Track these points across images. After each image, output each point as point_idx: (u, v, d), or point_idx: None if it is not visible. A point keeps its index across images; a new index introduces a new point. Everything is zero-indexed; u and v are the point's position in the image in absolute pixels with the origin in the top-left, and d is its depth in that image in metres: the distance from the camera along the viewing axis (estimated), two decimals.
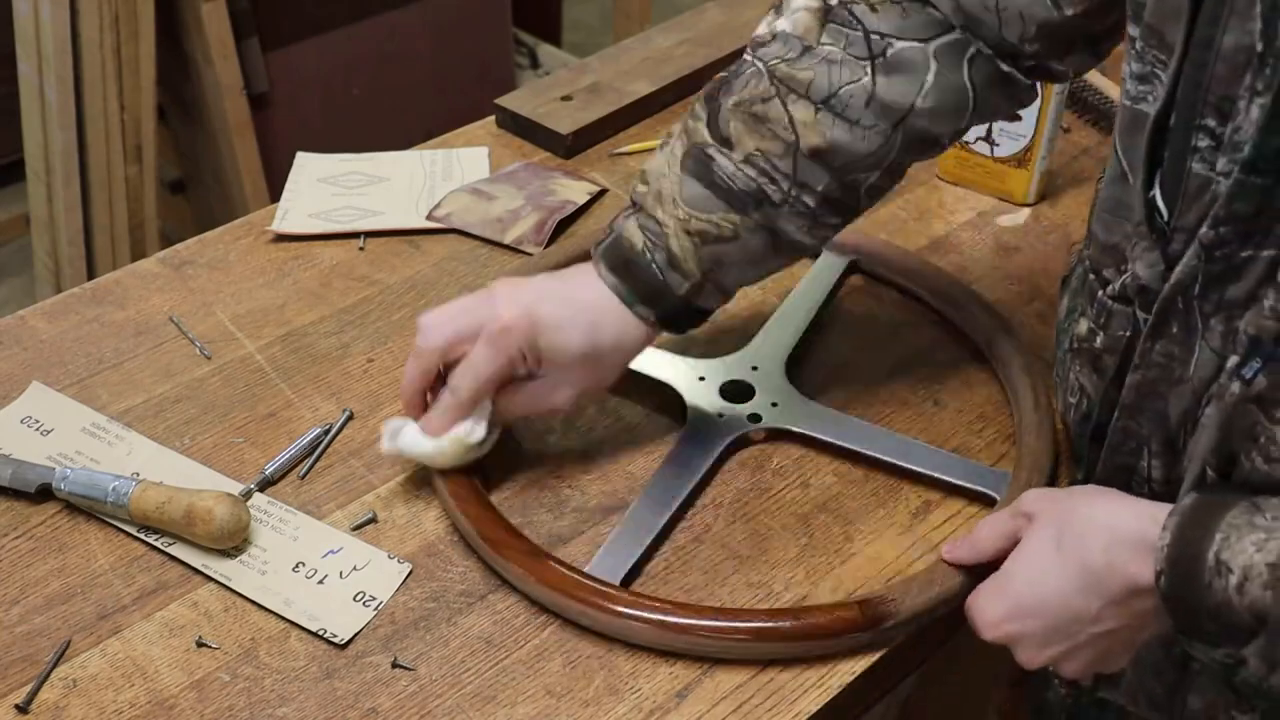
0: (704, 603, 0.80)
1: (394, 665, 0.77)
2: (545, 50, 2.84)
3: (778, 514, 0.87)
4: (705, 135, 0.82)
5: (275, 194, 1.39)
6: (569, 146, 1.23)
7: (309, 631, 0.79)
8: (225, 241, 1.12)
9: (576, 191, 1.17)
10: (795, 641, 0.76)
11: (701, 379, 0.93)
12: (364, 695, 0.75)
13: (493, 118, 1.29)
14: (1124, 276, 0.73)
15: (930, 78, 0.79)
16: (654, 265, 0.82)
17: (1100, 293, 0.76)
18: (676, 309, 0.84)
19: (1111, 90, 1.24)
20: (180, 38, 2.11)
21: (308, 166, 1.23)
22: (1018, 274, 1.08)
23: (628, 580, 0.80)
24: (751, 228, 0.82)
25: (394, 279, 1.08)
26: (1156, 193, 0.68)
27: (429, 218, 1.14)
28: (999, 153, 1.15)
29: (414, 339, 0.84)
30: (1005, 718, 1.20)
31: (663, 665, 0.77)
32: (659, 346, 0.95)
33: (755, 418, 0.91)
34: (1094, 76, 1.25)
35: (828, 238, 0.86)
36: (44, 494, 0.86)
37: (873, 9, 0.79)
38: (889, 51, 0.79)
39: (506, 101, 1.28)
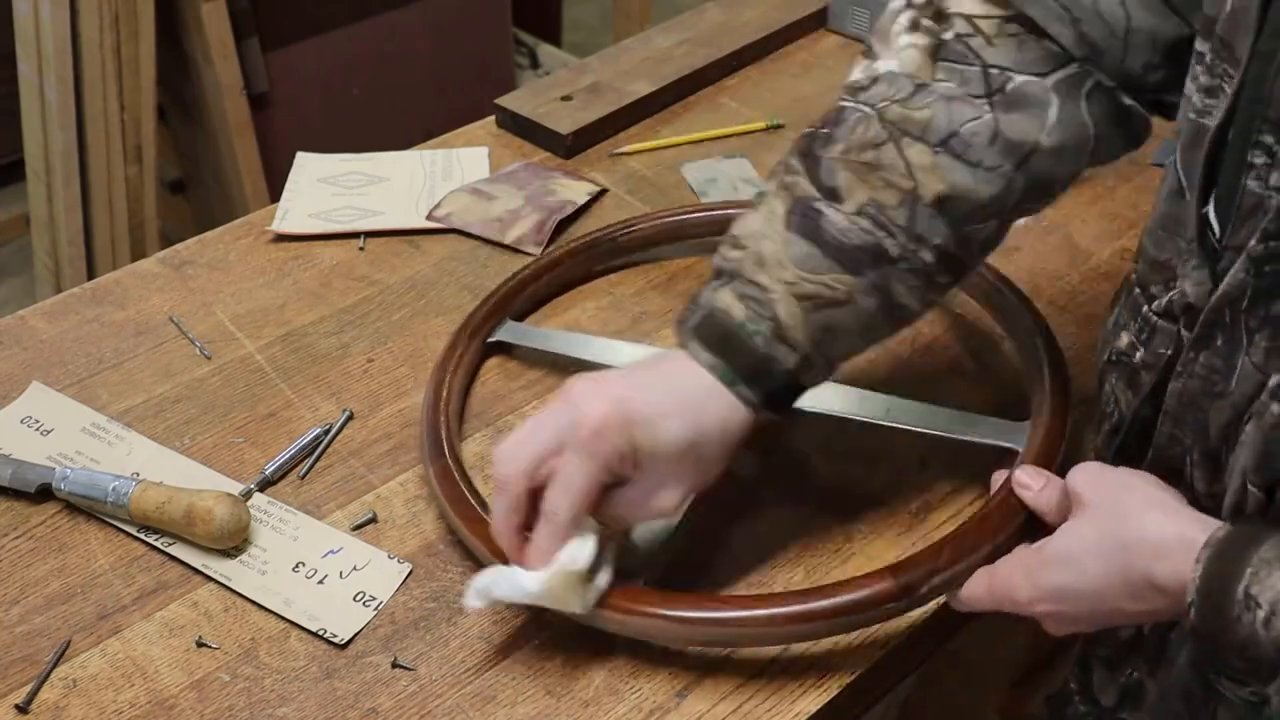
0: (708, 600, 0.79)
1: (394, 665, 0.77)
2: (545, 50, 2.84)
3: (778, 514, 0.87)
4: (809, 189, 0.74)
5: (275, 194, 1.39)
6: (569, 146, 1.23)
7: (309, 631, 0.79)
8: (225, 241, 1.12)
9: (576, 191, 1.17)
10: (829, 620, 0.73)
11: None
12: (364, 695, 0.75)
13: (493, 118, 1.29)
14: (1171, 293, 0.71)
15: (1053, 113, 0.73)
16: (758, 337, 0.73)
17: (1145, 308, 0.74)
18: (783, 387, 0.75)
19: None
20: (180, 38, 2.11)
21: (308, 166, 1.23)
22: (1017, 274, 1.07)
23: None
24: (865, 289, 0.74)
25: (394, 279, 1.08)
26: (1210, 209, 0.66)
27: (429, 218, 1.14)
28: None
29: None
30: (1005, 718, 1.20)
31: (663, 665, 0.77)
32: (648, 343, 0.96)
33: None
34: None
35: (933, 303, 0.79)
36: (44, 494, 0.86)
37: (989, 42, 0.73)
38: (1008, 86, 0.73)
39: (506, 101, 1.28)
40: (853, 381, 0.92)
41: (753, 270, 0.74)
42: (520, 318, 1.02)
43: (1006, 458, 0.84)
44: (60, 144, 2.03)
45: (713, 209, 1.09)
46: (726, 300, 0.74)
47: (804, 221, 0.74)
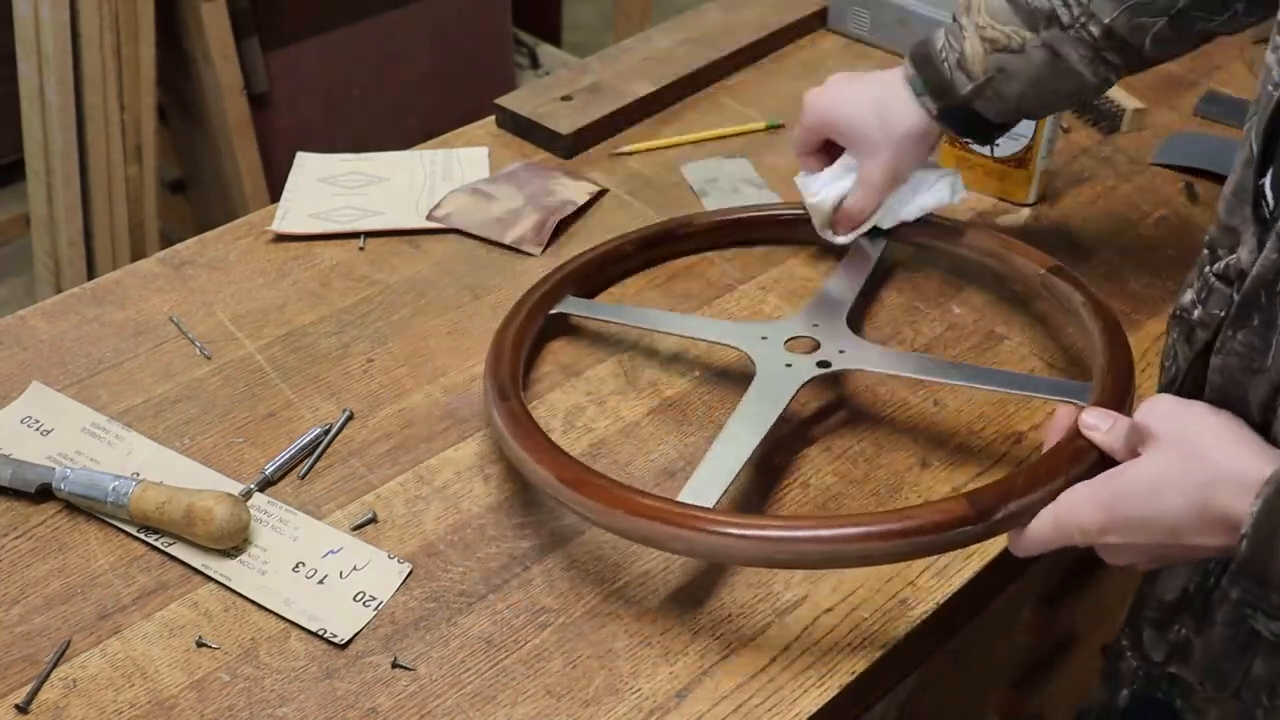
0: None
1: (394, 665, 0.77)
2: (545, 50, 2.84)
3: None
4: None
5: (275, 194, 1.39)
6: (569, 146, 1.23)
7: (309, 631, 0.79)
8: (225, 241, 1.12)
9: (576, 191, 1.17)
10: (905, 539, 0.72)
11: (764, 338, 0.94)
12: (364, 695, 0.75)
13: (493, 118, 1.29)
14: (1230, 257, 0.74)
15: None
16: (946, 63, 0.94)
17: (1207, 268, 0.77)
18: (957, 107, 0.95)
19: (1110, 91, 1.24)
20: (180, 38, 2.11)
21: (308, 166, 1.23)
22: (1002, 282, 1.08)
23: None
24: (1037, 45, 0.91)
25: (394, 279, 1.08)
26: (1267, 181, 0.69)
27: (429, 218, 1.14)
28: (999, 153, 1.15)
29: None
30: (1005, 718, 1.20)
31: (663, 665, 0.77)
32: (714, 316, 1.02)
33: (825, 364, 0.90)
34: None
35: (1108, 79, 0.92)
36: (44, 494, 0.86)
37: None
38: None
39: (506, 101, 1.28)
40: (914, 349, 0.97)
41: (960, 13, 0.95)
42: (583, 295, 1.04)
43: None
44: (60, 144, 2.03)
45: (775, 209, 1.13)
46: (938, 35, 0.96)
47: None
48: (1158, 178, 1.21)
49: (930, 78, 0.96)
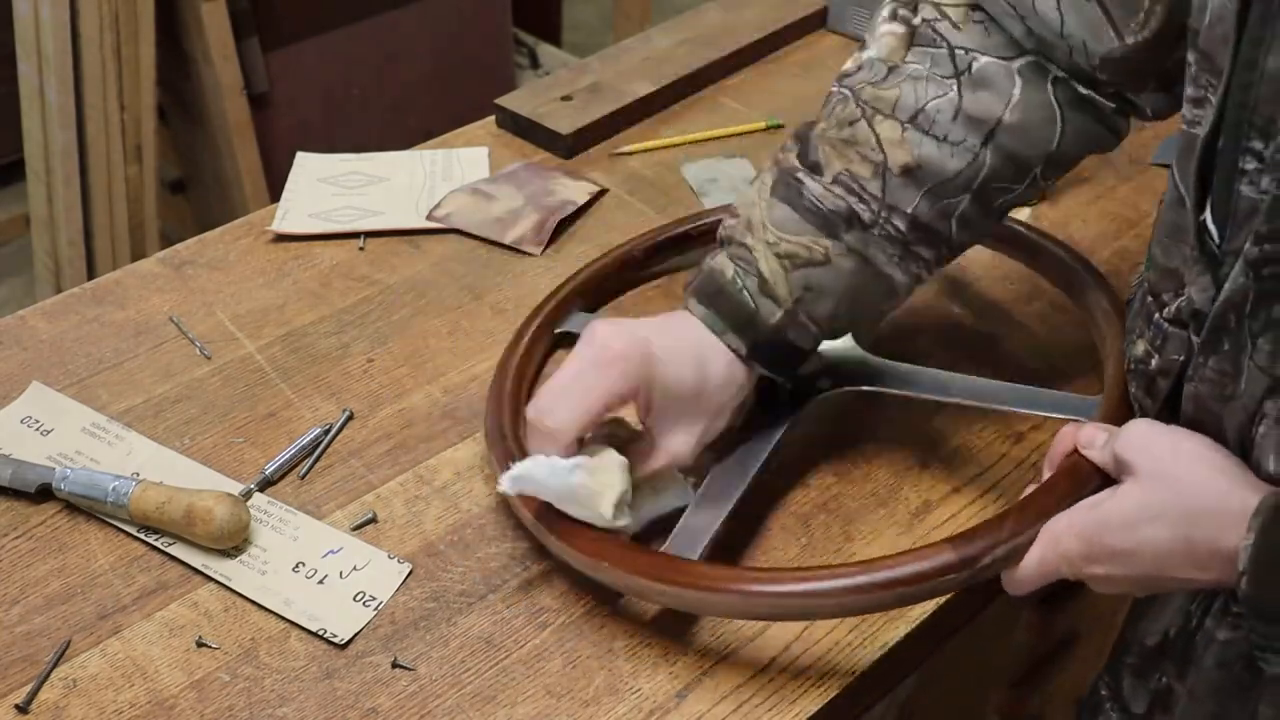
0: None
1: (394, 665, 0.77)
2: (545, 50, 2.84)
3: (778, 514, 0.87)
4: (795, 163, 0.82)
5: (275, 194, 1.39)
6: (569, 146, 1.23)
7: (309, 631, 0.79)
8: (225, 241, 1.12)
9: (576, 191, 1.17)
10: (889, 590, 0.71)
11: None
12: (364, 695, 0.75)
13: (493, 118, 1.29)
14: (1179, 300, 0.72)
15: (1016, 93, 0.78)
16: (745, 291, 0.81)
17: (1157, 315, 0.75)
18: (769, 340, 0.82)
19: None
20: (180, 38, 2.11)
21: (308, 166, 1.23)
22: (1017, 274, 1.08)
23: (709, 558, 0.78)
24: (842, 252, 0.80)
25: (394, 279, 1.08)
26: (1207, 217, 0.67)
27: (429, 218, 1.14)
28: None
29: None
30: (1005, 718, 1.20)
31: (663, 665, 0.77)
32: None
33: (825, 381, 0.89)
34: None
35: (920, 276, 0.83)
36: (44, 494, 0.86)
37: (956, 27, 0.79)
38: (974, 66, 0.78)
39: (506, 101, 1.28)
40: (909, 356, 0.92)
41: (743, 234, 0.82)
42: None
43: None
44: (60, 144, 2.03)
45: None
46: (720, 261, 0.83)
47: (786, 190, 0.81)
48: (1158, 178, 1.20)
49: (728, 312, 0.81)
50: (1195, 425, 0.71)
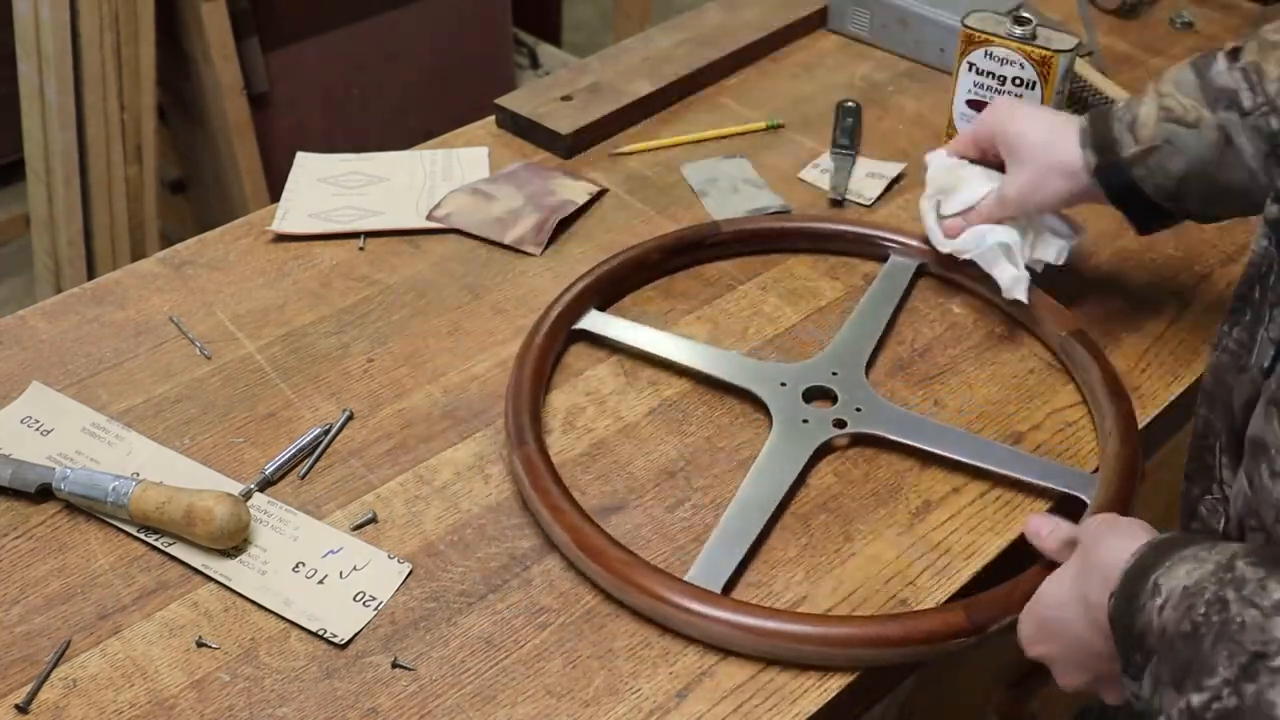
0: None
1: (394, 665, 0.77)
2: (545, 50, 2.84)
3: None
4: (1228, 44, 0.89)
5: (275, 194, 1.39)
6: (569, 146, 1.23)
7: (309, 631, 0.79)
8: (225, 241, 1.12)
9: (576, 191, 1.17)
10: (899, 648, 0.76)
11: (783, 384, 0.94)
12: (364, 695, 0.75)
13: (493, 118, 1.29)
14: None
15: None
16: (1119, 120, 0.91)
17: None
18: (1115, 168, 0.91)
19: (1110, 89, 1.24)
20: (180, 38, 2.11)
21: (308, 166, 1.23)
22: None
23: (727, 590, 0.81)
24: (1212, 125, 0.87)
25: (394, 279, 1.08)
26: None
27: (429, 218, 1.14)
28: None
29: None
30: (1005, 718, 1.20)
31: (663, 665, 0.77)
32: (739, 352, 0.99)
33: (840, 423, 0.91)
34: (1093, 75, 1.25)
35: (1274, 184, 0.82)
36: (44, 494, 0.86)
37: None
38: None
39: (506, 101, 1.28)
40: (928, 405, 0.95)
41: (1151, 81, 0.93)
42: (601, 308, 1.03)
43: (1073, 505, 0.86)
44: (60, 144, 2.03)
45: (806, 219, 1.12)
46: (1130, 99, 0.94)
47: (1201, 59, 0.90)
48: None
49: (1099, 131, 0.92)
50: (1210, 401, 0.72)
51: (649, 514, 0.87)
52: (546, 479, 0.84)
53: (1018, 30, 1.13)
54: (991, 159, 1.01)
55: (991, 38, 1.14)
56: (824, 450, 0.91)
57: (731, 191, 1.18)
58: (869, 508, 0.88)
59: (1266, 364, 0.65)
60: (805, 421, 0.91)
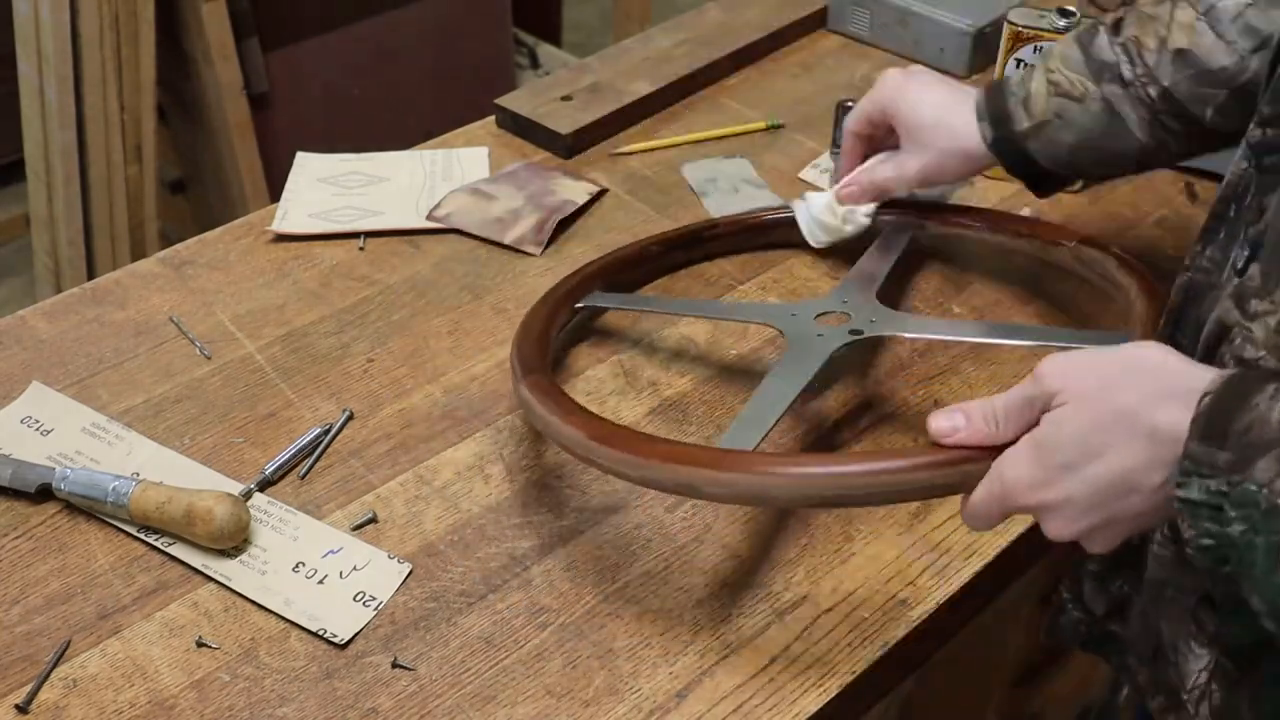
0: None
1: (394, 665, 0.77)
2: (545, 50, 2.84)
3: (778, 514, 0.87)
4: (1109, 20, 0.93)
5: (275, 194, 1.39)
6: (569, 146, 1.23)
7: (309, 631, 0.79)
8: (225, 241, 1.12)
9: (576, 191, 1.17)
10: (952, 468, 0.68)
11: (794, 315, 0.94)
12: (364, 695, 0.75)
13: (493, 118, 1.29)
14: None
15: None
16: (1014, 95, 0.95)
17: None
18: (1009, 140, 0.95)
19: None
20: (180, 38, 2.11)
21: (308, 166, 1.23)
22: (1017, 273, 1.08)
23: None
24: (1097, 97, 0.91)
25: (394, 279, 1.08)
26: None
27: (429, 218, 1.14)
28: None
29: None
30: (1005, 718, 1.20)
31: (663, 665, 0.77)
32: (747, 299, 1.03)
33: (857, 332, 0.91)
34: None
35: (1164, 142, 0.91)
36: (44, 494, 0.86)
37: None
38: None
39: (506, 101, 1.28)
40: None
41: (1041, 58, 0.97)
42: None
43: None
44: (60, 144, 2.03)
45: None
46: (1022, 73, 0.98)
47: (1085, 35, 0.94)
48: (1158, 178, 1.20)
49: (995, 105, 0.96)
50: (1179, 320, 0.73)
51: (649, 514, 0.87)
52: (557, 394, 0.81)
53: (1062, 23, 1.14)
54: (884, 135, 1.03)
55: (1041, 33, 1.14)
56: (842, 348, 0.89)
57: (732, 191, 1.18)
58: (869, 508, 0.88)
59: (1240, 266, 0.66)
60: (820, 336, 0.90)
